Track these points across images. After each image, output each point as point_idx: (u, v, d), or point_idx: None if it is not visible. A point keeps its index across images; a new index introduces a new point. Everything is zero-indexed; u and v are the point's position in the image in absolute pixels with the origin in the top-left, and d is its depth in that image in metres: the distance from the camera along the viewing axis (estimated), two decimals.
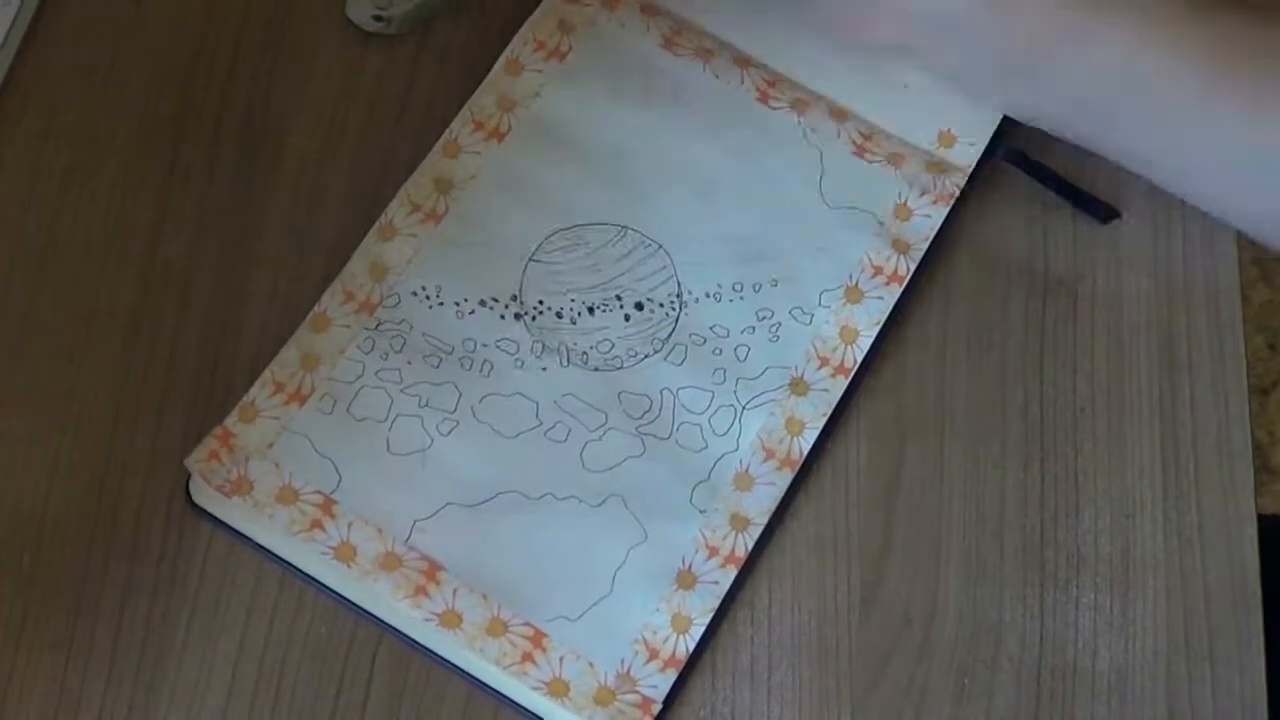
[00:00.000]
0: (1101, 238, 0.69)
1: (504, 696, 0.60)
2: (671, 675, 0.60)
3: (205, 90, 0.70)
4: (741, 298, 0.66)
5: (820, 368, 0.65)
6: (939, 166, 0.69)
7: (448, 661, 0.61)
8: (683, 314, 0.66)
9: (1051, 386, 0.67)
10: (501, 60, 0.69)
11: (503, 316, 0.65)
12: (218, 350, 0.65)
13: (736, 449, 0.64)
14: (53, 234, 0.67)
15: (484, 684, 0.60)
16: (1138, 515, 0.65)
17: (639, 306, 0.66)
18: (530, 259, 0.67)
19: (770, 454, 0.64)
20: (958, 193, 0.69)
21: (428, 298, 0.65)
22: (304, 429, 0.62)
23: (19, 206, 0.68)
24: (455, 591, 0.60)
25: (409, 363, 0.64)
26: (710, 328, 0.66)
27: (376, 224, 0.66)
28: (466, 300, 0.66)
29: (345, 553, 0.61)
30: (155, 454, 0.63)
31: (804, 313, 0.66)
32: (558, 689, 0.59)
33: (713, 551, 0.62)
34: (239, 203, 0.68)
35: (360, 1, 0.72)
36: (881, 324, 0.66)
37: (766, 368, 0.65)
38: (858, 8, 0.65)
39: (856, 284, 0.67)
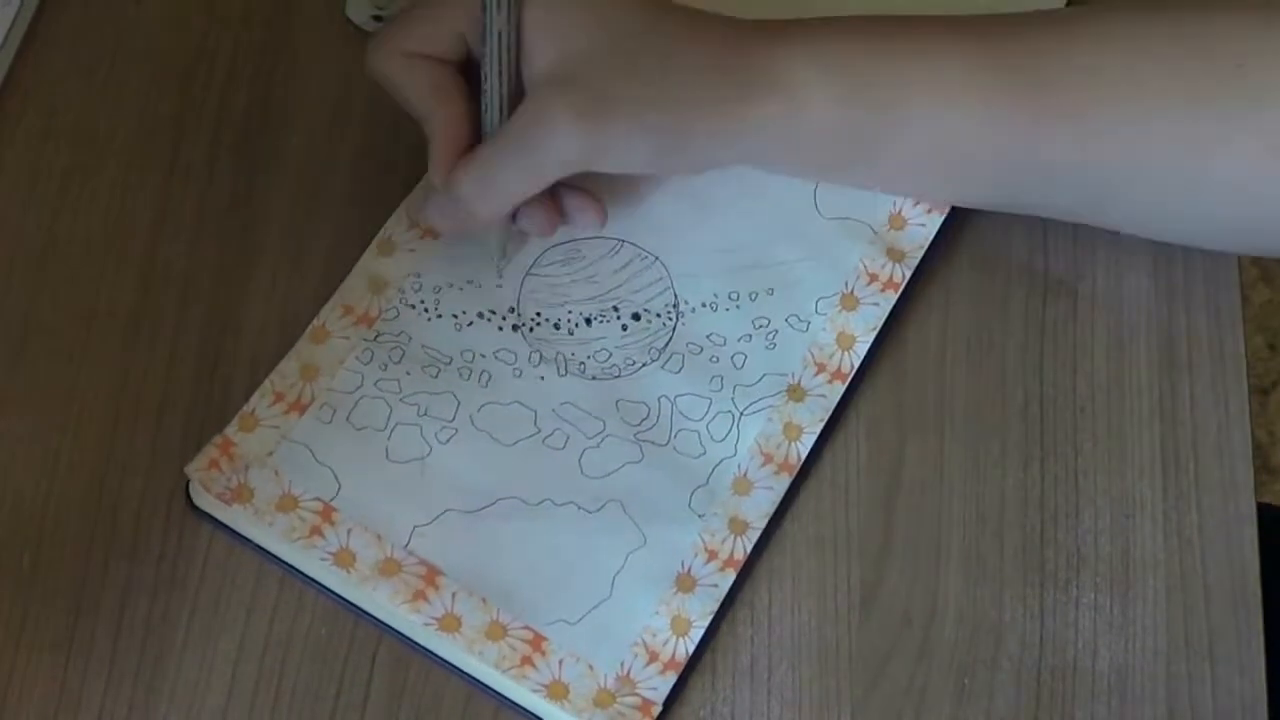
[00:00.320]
0: (1101, 238, 0.69)
1: (504, 698, 0.60)
2: (671, 677, 0.60)
3: (205, 90, 0.70)
4: (738, 306, 0.66)
5: (817, 373, 0.65)
6: None
7: (447, 662, 0.61)
8: (679, 324, 0.66)
9: (1051, 386, 0.67)
10: None
11: (500, 328, 0.65)
12: (218, 350, 0.65)
13: (735, 454, 0.64)
14: (53, 234, 0.67)
15: (484, 685, 0.60)
16: (1138, 515, 0.65)
17: (636, 317, 0.66)
18: (528, 272, 0.67)
19: (768, 459, 0.64)
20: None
21: (426, 310, 0.66)
22: (304, 438, 0.63)
23: (19, 206, 0.68)
24: (454, 596, 0.60)
25: (408, 373, 0.64)
26: (707, 336, 0.66)
27: (375, 239, 0.66)
28: (465, 312, 0.66)
29: (344, 558, 0.61)
30: (155, 454, 0.63)
31: (800, 320, 0.66)
32: (557, 691, 0.59)
33: (712, 555, 0.62)
34: (239, 203, 0.68)
35: (360, 2, 0.72)
36: (878, 330, 0.66)
37: (764, 374, 0.65)
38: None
39: (852, 291, 0.67)
